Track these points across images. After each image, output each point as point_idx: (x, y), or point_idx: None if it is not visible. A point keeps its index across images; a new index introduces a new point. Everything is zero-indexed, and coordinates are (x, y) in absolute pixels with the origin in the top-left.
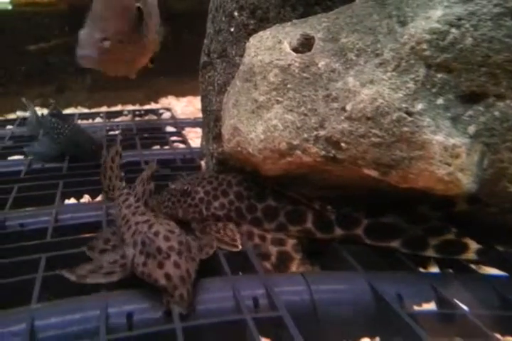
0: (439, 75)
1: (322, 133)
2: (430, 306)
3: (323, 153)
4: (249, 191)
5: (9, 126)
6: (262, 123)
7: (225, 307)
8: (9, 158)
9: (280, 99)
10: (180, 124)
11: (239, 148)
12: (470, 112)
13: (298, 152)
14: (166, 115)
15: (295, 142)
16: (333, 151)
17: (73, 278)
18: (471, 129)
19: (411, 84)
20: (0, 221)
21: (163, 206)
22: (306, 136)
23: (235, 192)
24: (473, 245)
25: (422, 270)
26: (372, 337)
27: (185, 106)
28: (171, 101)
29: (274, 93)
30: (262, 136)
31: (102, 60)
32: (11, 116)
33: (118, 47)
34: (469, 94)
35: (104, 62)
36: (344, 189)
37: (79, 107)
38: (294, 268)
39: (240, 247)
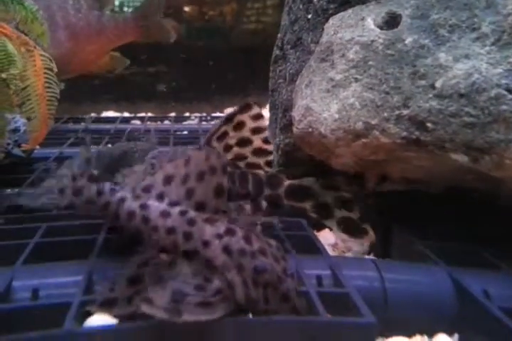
0: None
1: (405, 112)
2: None
3: (404, 134)
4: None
5: (82, 123)
6: (338, 102)
7: None
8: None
9: (359, 76)
10: None
11: (310, 129)
12: None
13: (375, 132)
14: None
15: (373, 122)
16: (416, 132)
17: (163, 316)
18: None
19: None
20: None
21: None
22: (386, 115)
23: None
24: (371, 236)
25: None
26: (450, 333)
27: None
28: None
29: (353, 71)
30: (337, 115)
31: None
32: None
33: None
34: None
35: None
36: (421, 184)
37: (149, 113)
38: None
39: None
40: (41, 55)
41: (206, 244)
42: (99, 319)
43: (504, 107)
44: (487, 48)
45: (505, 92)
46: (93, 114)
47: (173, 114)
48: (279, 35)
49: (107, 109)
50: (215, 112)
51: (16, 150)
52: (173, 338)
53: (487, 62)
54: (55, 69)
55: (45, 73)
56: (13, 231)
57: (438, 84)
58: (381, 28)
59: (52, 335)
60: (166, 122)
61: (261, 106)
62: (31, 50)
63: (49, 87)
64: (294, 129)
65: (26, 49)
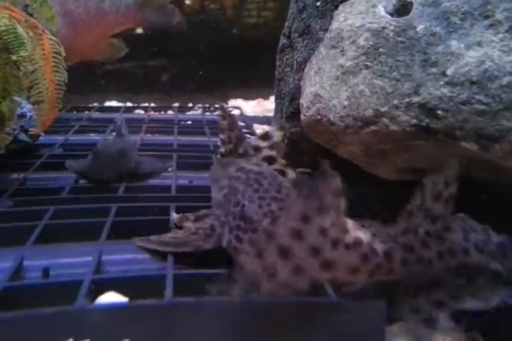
0: None
1: (416, 99)
2: None
3: (414, 121)
4: None
5: (86, 112)
6: (347, 89)
7: None
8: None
9: (370, 63)
10: (248, 120)
11: (318, 116)
12: None
13: (385, 120)
14: (235, 112)
15: (383, 109)
16: (426, 120)
17: None
18: None
19: None
20: None
21: None
22: (396, 102)
23: None
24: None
25: None
26: None
27: (254, 107)
28: (239, 103)
29: (363, 58)
30: (346, 102)
31: None
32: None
33: None
34: None
35: None
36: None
37: (152, 104)
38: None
39: None
40: (50, 39)
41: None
42: (110, 297)
43: None
44: (500, 36)
45: None
46: (95, 104)
47: (176, 104)
48: (286, 23)
49: (110, 100)
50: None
51: (23, 136)
52: (182, 315)
53: (500, 49)
54: (64, 54)
55: (53, 57)
56: (21, 213)
57: (449, 72)
58: (392, 15)
59: (64, 312)
60: (170, 112)
61: (264, 97)
62: (40, 33)
63: (57, 72)
64: (302, 116)
65: (35, 32)
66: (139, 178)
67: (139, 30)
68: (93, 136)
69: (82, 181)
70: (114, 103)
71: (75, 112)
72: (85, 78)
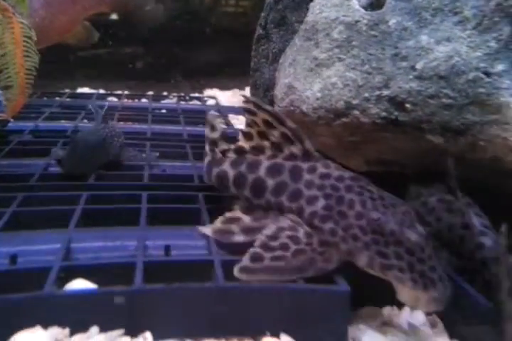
0: None
1: (386, 92)
2: None
3: (383, 114)
4: None
5: (57, 98)
6: (320, 81)
7: None
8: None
9: (343, 56)
10: (224, 111)
11: (292, 108)
12: None
13: (356, 112)
14: (211, 102)
15: (354, 101)
16: (395, 113)
17: None
18: None
19: (493, 43)
20: None
21: None
22: (367, 95)
23: None
24: None
25: None
26: None
27: (230, 97)
28: (215, 93)
29: (336, 50)
30: (319, 94)
31: None
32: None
33: None
34: None
35: None
36: (397, 165)
37: (126, 91)
38: None
39: None
40: (20, 23)
41: None
42: (79, 284)
43: (481, 90)
44: (468, 32)
45: (483, 75)
46: (67, 90)
47: (151, 93)
48: (262, 14)
49: (82, 86)
50: (194, 93)
51: None
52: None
53: (467, 45)
54: (35, 38)
55: (24, 41)
56: None
57: (419, 66)
58: (366, 9)
59: (32, 298)
60: (144, 100)
61: (239, 87)
62: (10, 16)
63: (28, 56)
64: (276, 107)
65: (4, 15)
66: (119, 168)
67: (114, 17)
68: (64, 123)
69: (51, 168)
70: (86, 90)
71: (45, 98)
72: (58, 64)
